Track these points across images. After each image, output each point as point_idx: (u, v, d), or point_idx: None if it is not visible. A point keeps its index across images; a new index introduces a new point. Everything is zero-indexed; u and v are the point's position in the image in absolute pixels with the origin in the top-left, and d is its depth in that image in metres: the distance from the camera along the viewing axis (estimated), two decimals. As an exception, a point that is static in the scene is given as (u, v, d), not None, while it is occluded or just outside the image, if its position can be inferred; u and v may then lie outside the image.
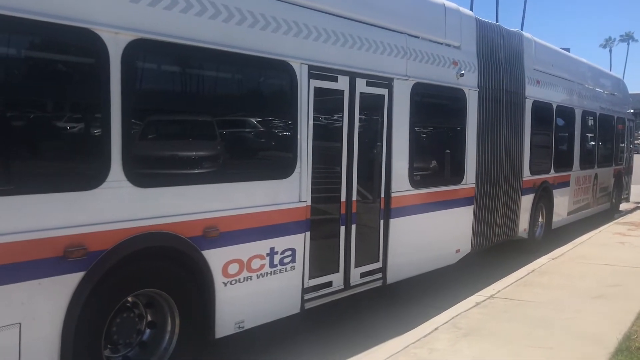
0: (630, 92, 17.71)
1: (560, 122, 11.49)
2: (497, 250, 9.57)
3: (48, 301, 3.80)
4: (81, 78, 4.12)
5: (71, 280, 3.89)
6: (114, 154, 4.09)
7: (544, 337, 5.48)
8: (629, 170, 17.11)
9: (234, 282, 4.98)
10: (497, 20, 35.80)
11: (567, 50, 13.58)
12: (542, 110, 10.46)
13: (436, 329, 5.66)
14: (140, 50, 4.28)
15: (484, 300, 6.64)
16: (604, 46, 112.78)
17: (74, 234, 3.89)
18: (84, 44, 4.01)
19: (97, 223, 4.02)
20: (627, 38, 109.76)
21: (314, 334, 5.96)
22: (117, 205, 4.15)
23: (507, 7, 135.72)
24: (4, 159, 3.67)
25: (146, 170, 4.41)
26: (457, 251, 8.06)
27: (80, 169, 4.10)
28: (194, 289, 4.70)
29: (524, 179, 9.77)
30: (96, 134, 4.09)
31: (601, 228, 12.22)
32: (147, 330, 4.61)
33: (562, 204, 11.72)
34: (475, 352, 5.09)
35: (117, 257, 4.12)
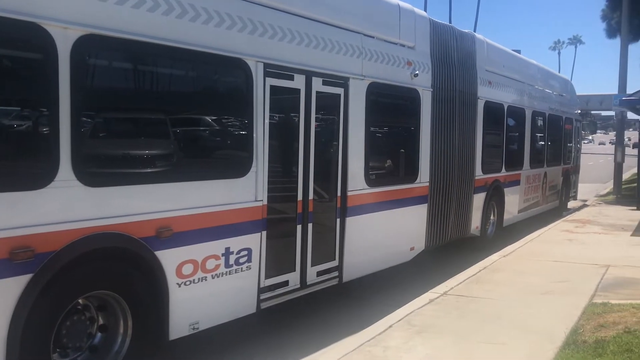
0: (577, 93, 18.32)
1: (511, 122, 11.78)
2: (450, 247, 9.72)
3: (-7, 305, 3.67)
4: (28, 74, 4.00)
5: (18, 283, 3.76)
6: (63, 152, 3.97)
7: (496, 332, 5.56)
8: (576, 169, 17.71)
9: (188, 282, 4.91)
10: (450, 21, 36.41)
11: (518, 52, 13.89)
12: (493, 111, 10.71)
13: (390, 326, 5.70)
14: (90, 46, 4.17)
15: (437, 298, 6.72)
16: (553, 48, 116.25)
17: (20, 235, 3.76)
18: (31, 39, 3.87)
19: (45, 224, 3.90)
20: (575, 41, 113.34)
21: (268, 334, 5.93)
22: (66, 205, 4.03)
23: (460, 8, 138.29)
24: None
25: (97, 170, 4.30)
26: (412, 249, 8.16)
27: (27, 168, 3.97)
28: (146, 290, 4.60)
29: (476, 177, 9.99)
30: (44, 131, 3.97)
31: (550, 225, 12.55)
32: (99, 334, 4.49)
33: (513, 202, 12.01)
34: (429, 349, 5.15)
35: (66, 259, 4.01)
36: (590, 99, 54.29)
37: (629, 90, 18.75)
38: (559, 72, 21.11)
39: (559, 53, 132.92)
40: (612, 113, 28.57)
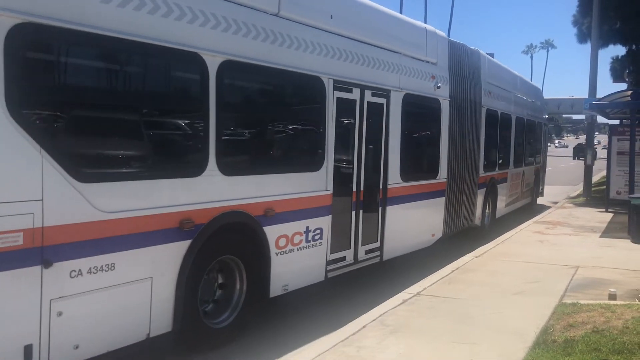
0: (550, 96, 20.01)
1: (503, 126, 13.42)
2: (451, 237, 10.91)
3: (169, 261, 4.97)
4: (190, 90, 5.41)
5: (184, 246, 5.08)
6: (211, 149, 5.29)
7: (468, 332, 5.63)
8: (544, 169, 19.46)
9: (282, 253, 6.24)
10: (425, 22, 37.55)
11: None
12: (491, 117, 12.32)
13: (364, 326, 5.77)
14: (229, 69, 5.48)
15: (411, 298, 6.81)
16: (526, 52, 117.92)
17: (186, 210, 5.07)
18: (193, 64, 5.19)
19: (200, 202, 5.21)
20: (547, 45, 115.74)
21: (242, 334, 5.99)
22: (211, 189, 5.34)
23: (435, 9, 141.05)
24: (142, 153, 4.93)
25: (230, 163, 5.59)
26: (433, 235, 9.63)
27: (189, 162, 5.32)
28: (257, 257, 5.94)
29: (480, 175, 11.56)
30: (200, 134, 5.28)
31: (521, 226, 12.83)
32: (220, 290, 5.81)
33: (503, 197, 13.64)
34: (402, 348, 5.20)
35: (212, 229, 5.33)
36: (561, 102, 55.98)
37: (599, 94, 19.27)
38: (532, 75, 22.66)
39: (531, 57, 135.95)
40: (583, 116, 30.21)
